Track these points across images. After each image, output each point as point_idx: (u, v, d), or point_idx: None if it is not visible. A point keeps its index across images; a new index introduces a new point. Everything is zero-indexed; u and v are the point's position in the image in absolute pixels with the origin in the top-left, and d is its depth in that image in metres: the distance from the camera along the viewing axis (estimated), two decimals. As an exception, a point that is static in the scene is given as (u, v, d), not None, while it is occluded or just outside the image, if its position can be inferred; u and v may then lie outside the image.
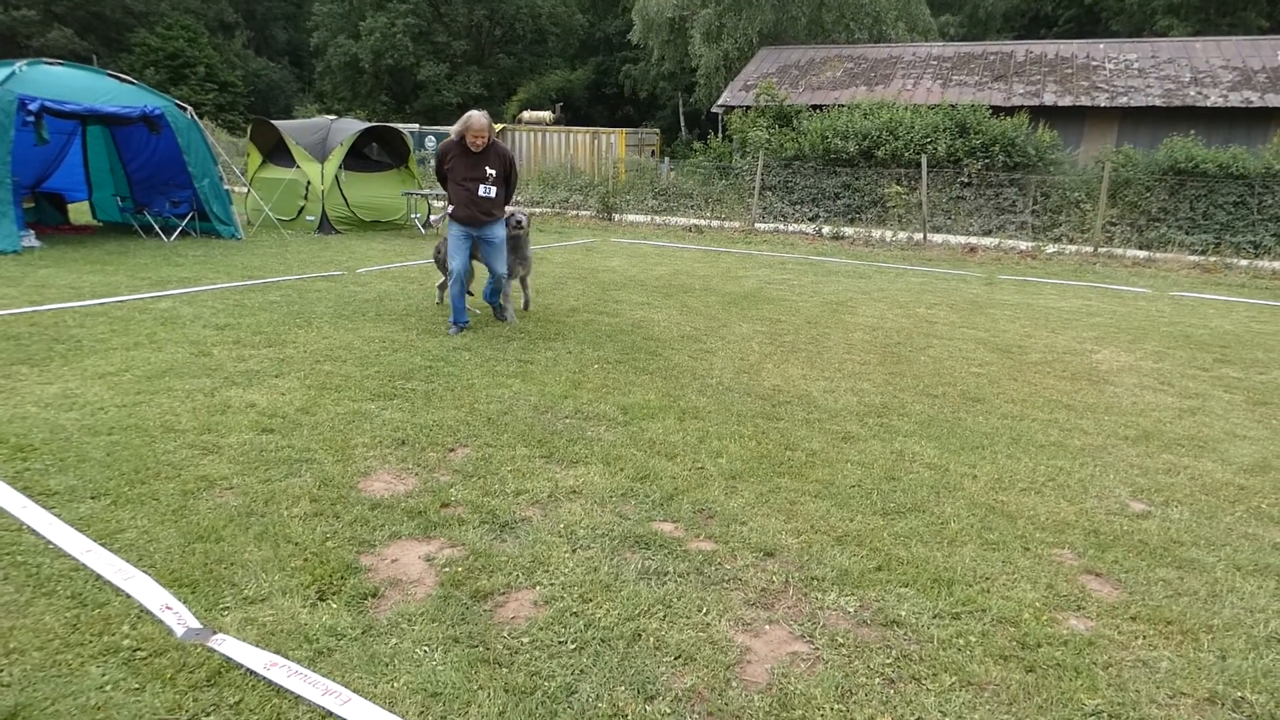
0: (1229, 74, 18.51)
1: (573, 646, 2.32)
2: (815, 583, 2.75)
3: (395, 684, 2.12)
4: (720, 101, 22.07)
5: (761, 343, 6.29)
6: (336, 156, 12.56)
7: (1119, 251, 13.97)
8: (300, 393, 4.48)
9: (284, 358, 5.19)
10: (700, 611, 2.54)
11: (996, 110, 17.09)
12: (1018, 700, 2.18)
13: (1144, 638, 2.50)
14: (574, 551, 2.87)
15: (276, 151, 13.17)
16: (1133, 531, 3.23)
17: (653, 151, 26.28)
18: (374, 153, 14.62)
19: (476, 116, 5.79)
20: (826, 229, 15.63)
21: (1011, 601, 2.67)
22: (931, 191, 15.87)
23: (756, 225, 16.42)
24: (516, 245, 6.55)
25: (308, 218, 12.69)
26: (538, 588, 2.63)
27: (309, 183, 12.55)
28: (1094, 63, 20.27)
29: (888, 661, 2.33)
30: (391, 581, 2.64)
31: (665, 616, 2.50)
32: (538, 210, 17.94)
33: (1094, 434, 4.43)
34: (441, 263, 6.88)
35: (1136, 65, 19.70)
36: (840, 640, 2.43)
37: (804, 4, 27.89)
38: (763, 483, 3.56)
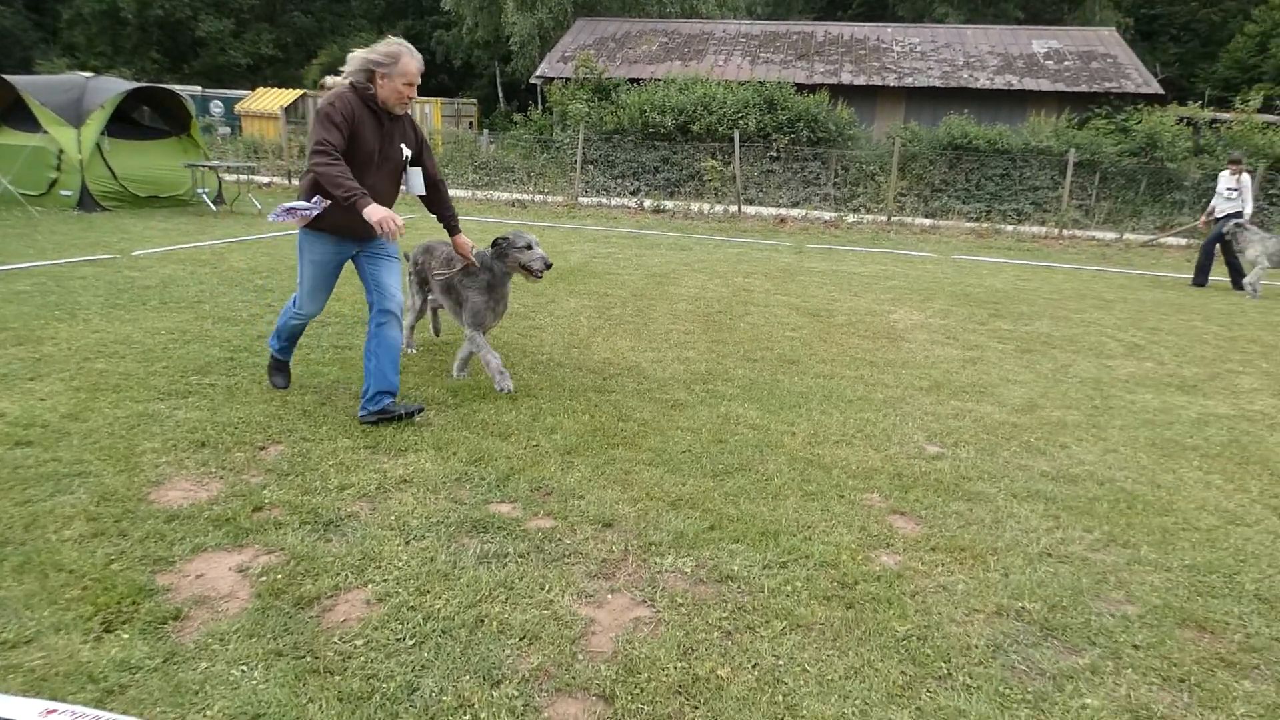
0: (994, 59, 20.79)
1: (411, 642, 2.22)
2: (653, 548, 2.82)
3: (208, 712, 1.93)
4: (539, 73, 21.75)
5: (590, 317, 6.32)
6: (97, 121, 10.85)
7: (909, 220, 15.38)
8: (66, 396, 3.92)
9: (41, 356, 4.51)
10: (543, 589, 2.52)
11: (800, 88, 18.15)
12: (840, 635, 2.36)
13: (943, 565, 2.78)
14: (408, 543, 2.75)
15: (15, 114, 11.17)
16: (929, 472, 3.58)
17: (470, 123, 25.50)
18: (145, 118, 12.94)
19: (409, 51, 3.55)
20: (648, 202, 15.94)
21: (831, 546, 2.88)
22: (744, 165, 16.62)
23: (580, 199, 16.43)
24: (494, 286, 4.43)
25: (63, 192, 10.90)
26: (370, 586, 2.49)
27: (61, 151, 10.82)
28: (883, 45, 22.00)
29: (724, 615, 2.44)
30: (197, 600, 2.39)
31: (508, 599, 2.46)
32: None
33: (894, 387, 4.87)
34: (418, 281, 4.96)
35: (919, 49, 21.61)
36: (679, 600, 2.50)
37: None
38: (598, 455, 3.58)
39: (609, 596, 2.52)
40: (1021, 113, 18.82)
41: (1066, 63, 20.36)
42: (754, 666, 2.20)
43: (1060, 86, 19.22)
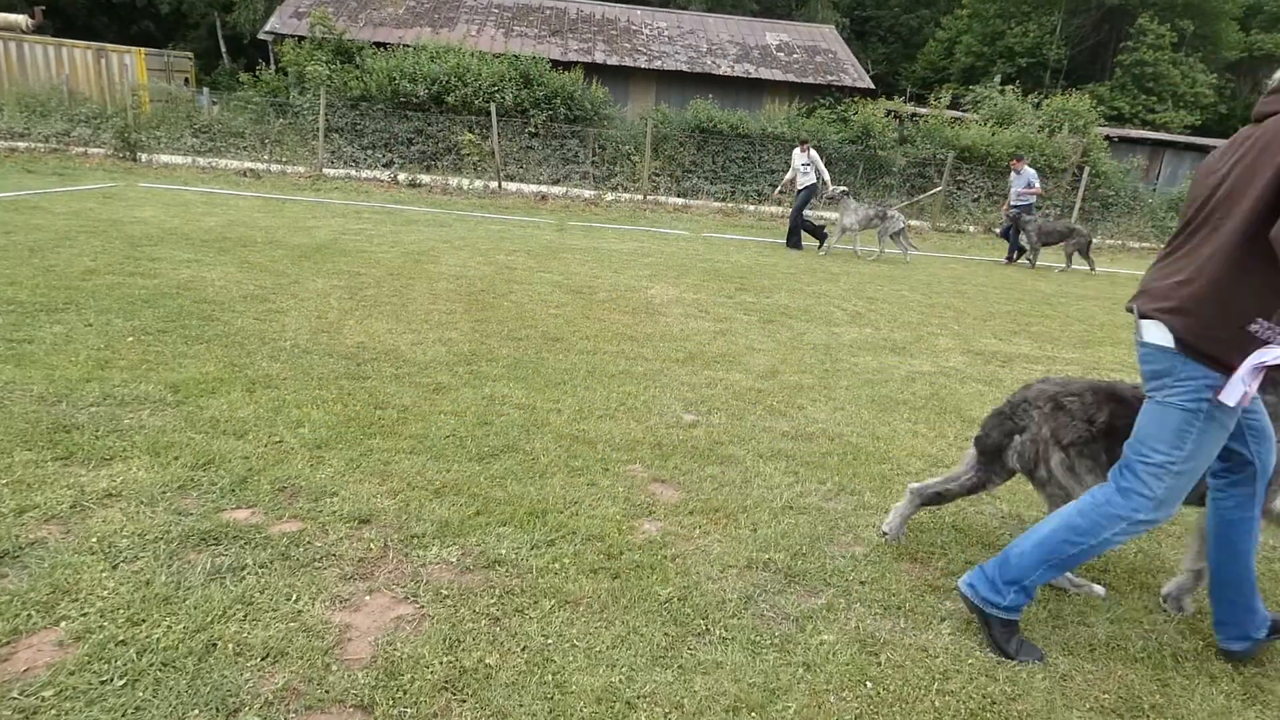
0: (734, 48, 22.26)
1: (121, 683, 1.90)
2: (416, 540, 2.67)
3: None
4: (268, 28, 19.62)
5: (341, 298, 5.86)
6: None
7: (663, 199, 16.09)
8: None
9: None
10: (289, 600, 2.28)
11: (556, 64, 18.15)
12: (607, 606, 2.40)
13: (700, 528, 2.94)
14: (115, 568, 2.35)
15: None
16: (686, 440, 3.77)
17: (186, 79, 22.41)
18: None
19: None
20: (403, 176, 15.12)
21: (597, 519, 2.92)
22: (503, 141, 16.33)
23: (325, 171, 15.17)
24: None
25: None
26: (63, 624, 2.09)
27: None
28: (634, 27, 22.65)
29: (492, 601, 2.37)
30: None
31: (247, 616, 2.20)
32: (21, 146, 14.08)
33: (653, 360, 5.06)
34: None
35: (667, 33, 22.55)
36: (445, 593, 2.40)
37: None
38: (352, 447, 3.32)
39: (367, 598, 2.35)
40: (759, 99, 20.42)
41: (795, 55, 22.38)
42: (523, 649, 2.17)
43: (791, 77, 21.10)
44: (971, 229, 16.54)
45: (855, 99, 19.71)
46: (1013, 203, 12.59)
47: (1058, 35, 39.68)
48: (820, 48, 23.20)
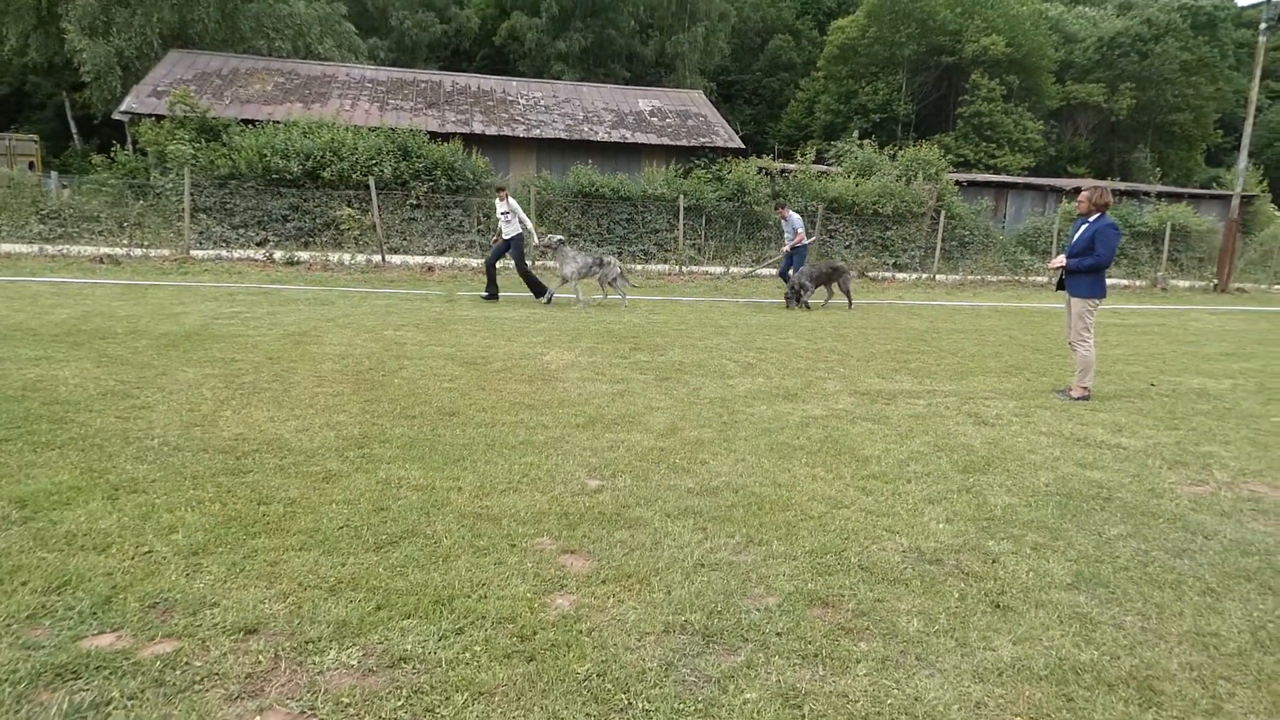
0: (609, 114, 22.97)
1: None
2: (310, 646, 2.48)
3: None
4: (124, 107, 18.73)
5: (215, 388, 5.51)
6: None
7: (550, 264, 16.16)
8: None
9: None
10: (166, 733, 2.06)
11: (434, 135, 18.15)
12: (524, 692, 2.29)
13: (614, 596, 2.88)
14: (-48, 720, 2.05)
15: None
16: (593, 506, 3.71)
17: (30, 163, 20.99)
18: None
19: None
20: (279, 254, 14.57)
21: (506, 600, 2.81)
22: (384, 213, 16.08)
23: (193, 253, 14.42)
24: None
25: None
26: (-113, 796, 1.80)
27: None
28: (510, 98, 23.03)
29: (399, 704, 2.22)
30: None
31: (115, 758, 1.96)
32: None
33: (553, 427, 5.00)
34: None
35: (543, 103, 23.03)
36: (346, 700, 2.23)
37: (211, 6, 25.40)
38: (234, 550, 3.08)
39: (257, 718, 2.15)
40: (636, 163, 21.06)
41: (668, 119, 23.32)
42: (437, 754, 2.03)
43: (665, 140, 21.93)
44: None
45: (728, 159, 20.66)
46: (787, 248, 12.65)
47: (904, 92, 43.29)
48: (691, 111, 24.29)
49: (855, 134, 23.97)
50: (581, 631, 2.62)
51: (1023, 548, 3.45)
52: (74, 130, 31.35)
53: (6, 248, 13.72)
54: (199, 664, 2.36)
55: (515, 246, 11.16)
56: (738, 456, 4.56)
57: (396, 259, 15.36)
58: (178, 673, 2.30)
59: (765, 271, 16.93)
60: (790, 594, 2.93)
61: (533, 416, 5.20)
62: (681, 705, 2.26)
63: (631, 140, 21.57)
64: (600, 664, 2.44)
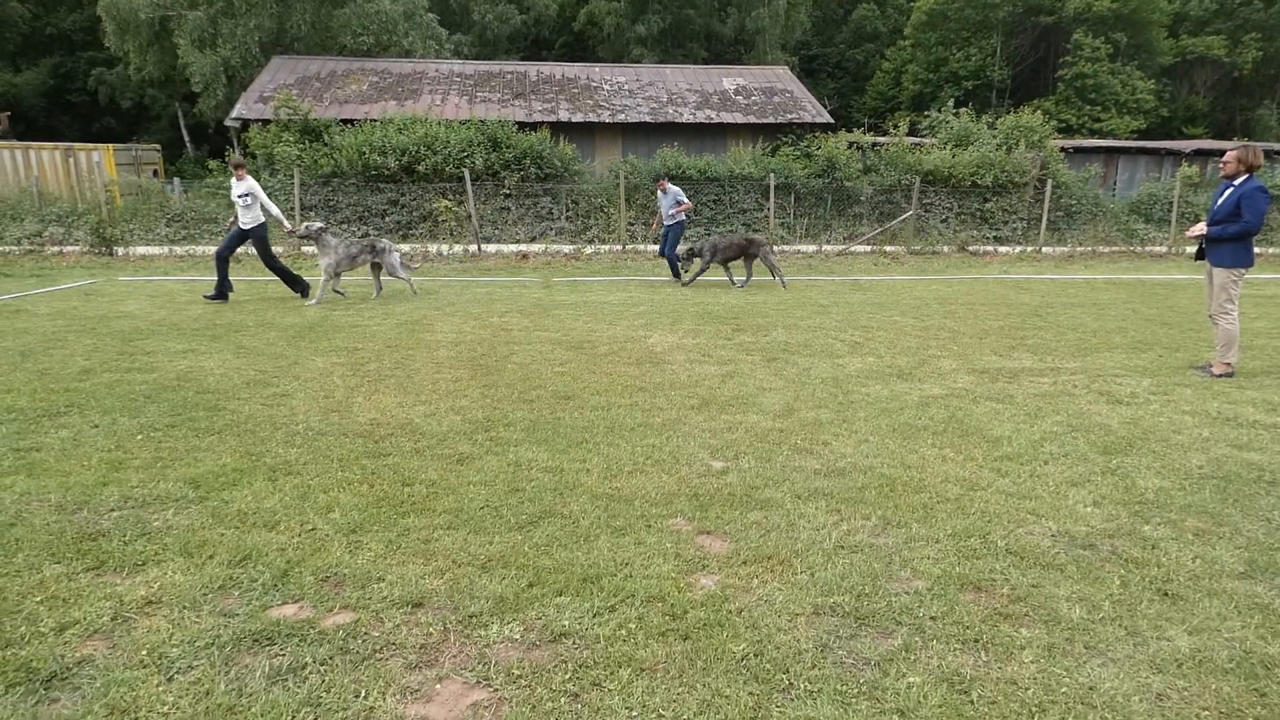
0: (694, 95, 22.78)
1: (202, 806, 1.80)
2: (474, 620, 2.59)
3: None
4: (234, 115, 19.76)
5: (344, 375, 5.79)
6: None
7: (641, 247, 16.23)
8: None
9: None
10: (358, 697, 2.19)
11: (521, 125, 18.43)
12: (685, 670, 2.33)
13: (757, 577, 2.88)
14: (171, 680, 2.25)
15: None
16: (721, 488, 3.73)
17: (154, 171, 22.46)
18: None
19: None
20: (381, 246, 15.13)
21: (652, 579, 2.85)
22: (478, 203, 16.47)
23: (304, 248, 15.14)
24: None
25: None
26: (128, 747, 1.99)
27: None
28: (594, 84, 23.13)
29: (567, 677, 2.30)
30: None
31: (317, 718, 2.10)
32: (-1, 250, 13.94)
33: (668, 409, 5.03)
34: None
35: (627, 87, 23.04)
36: (516, 672, 2.32)
37: (307, 11, 26.44)
38: (388, 528, 3.24)
39: (437, 686, 2.26)
40: (723, 143, 20.82)
41: (754, 97, 22.94)
42: (611, 726, 2.09)
43: (751, 119, 21.58)
44: (946, 248, 16.84)
45: (816, 134, 20.18)
46: (665, 222, 11.68)
47: (998, 57, 41.16)
48: (777, 88, 23.82)
49: (950, 103, 22.96)
50: (731, 611, 2.64)
51: (1183, 533, 3.26)
52: (186, 138, 33.33)
53: (140, 250, 14.75)
54: (376, 634, 2.50)
55: (257, 236, 9.41)
56: (860, 437, 4.48)
57: (491, 247, 15.73)
58: (359, 641, 2.45)
59: (859, 249, 16.52)
60: (939, 578, 2.87)
61: (646, 399, 5.24)
62: (844, 687, 2.25)
63: (717, 120, 21.33)
64: (755, 644, 2.46)
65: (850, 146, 18.99)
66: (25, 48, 34.39)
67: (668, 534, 3.24)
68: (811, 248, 16.75)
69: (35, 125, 31.96)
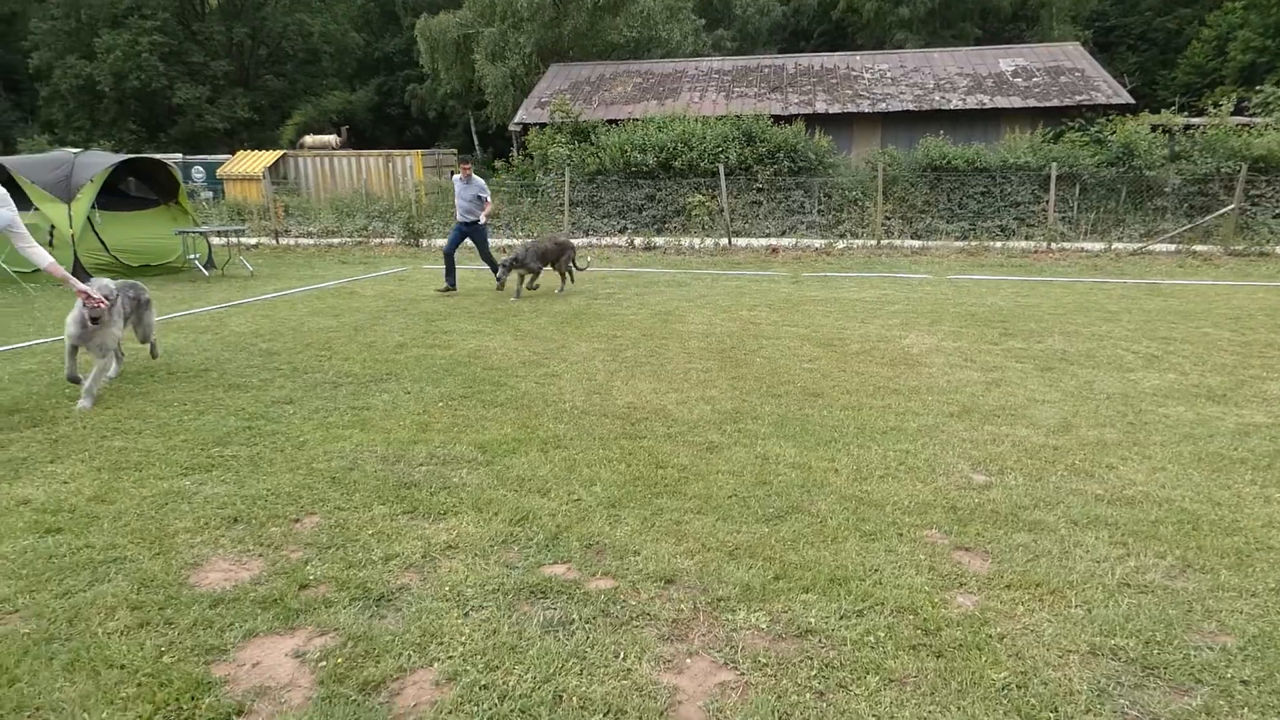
0: (964, 80, 21.20)
1: (492, 727, 2.09)
2: (722, 604, 2.70)
3: (292, 821, 1.79)
4: (516, 119, 21.92)
5: (605, 360, 6.23)
6: (87, 195, 10.89)
7: (898, 242, 15.49)
8: (89, 478, 3.78)
9: (57, 437, 4.37)
10: (618, 658, 2.40)
11: (776, 119, 18.37)
12: (937, 688, 2.25)
13: (1023, 604, 2.68)
14: (466, 615, 2.62)
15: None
16: (983, 503, 3.49)
17: (451, 172, 25.61)
18: (132, 188, 12.92)
19: None
20: (638, 240, 15.97)
21: (903, 589, 2.77)
22: (730, 198, 16.74)
23: (571, 241, 16.42)
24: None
25: None
26: (435, 665, 2.36)
27: (53, 227, 10.76)
28: (854, 73, 22.39)
29: (812, 673, 2.32)
30: (258, 691, 2.25)
31: (582, 670, 2.33)
32: (335, 241, 16.79)
33: (924, 414, 4.79)
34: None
35: (889, 75, 22.02)
36: (763, 660, 2.39)
37: (582, 19, 28.40)
38: (643, 506, 3.47)
39: (688, 661, 2.40)
40: (996, 130, 19.12)
41: (1035, 79, 20.78)
42: (858, 730, 2.08)
43: (1031, 102, 19.59)
44: (1279, 249, 14.07)
45: (1111, 117, 17.80)
46: (461, 218, 10.11)
47: (1373, 13, 33.29)
48: (1064, 67, 21.36)
49: (1296, 73, 19.02)
50: (991, 636, 2.49)
51: None
52: (475, 142, 37.58)
53: (439, 242, 16.94)
54: (633, 603, 2.70)
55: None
56: (1155, 464, 3.95)
57: (741, 241, 15.92)
58: (618, 607, 2.67)
59: (1160, 247, 14.36)
60: (1255, 637, 2.47)
61: (900, 402, 5.04)
62: (1125, 737, 2.04)
63: (990, 105, 19.64)
64: (1019, 674, 2.30)
65: (1154, 130, 16.51)
66: (360, 70, 40.87)
67: (921, 544, 3.11)
68: (1098, 245, 14.85)
69: (364, 136, 37.84)
